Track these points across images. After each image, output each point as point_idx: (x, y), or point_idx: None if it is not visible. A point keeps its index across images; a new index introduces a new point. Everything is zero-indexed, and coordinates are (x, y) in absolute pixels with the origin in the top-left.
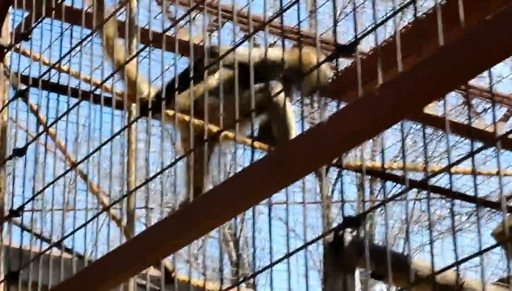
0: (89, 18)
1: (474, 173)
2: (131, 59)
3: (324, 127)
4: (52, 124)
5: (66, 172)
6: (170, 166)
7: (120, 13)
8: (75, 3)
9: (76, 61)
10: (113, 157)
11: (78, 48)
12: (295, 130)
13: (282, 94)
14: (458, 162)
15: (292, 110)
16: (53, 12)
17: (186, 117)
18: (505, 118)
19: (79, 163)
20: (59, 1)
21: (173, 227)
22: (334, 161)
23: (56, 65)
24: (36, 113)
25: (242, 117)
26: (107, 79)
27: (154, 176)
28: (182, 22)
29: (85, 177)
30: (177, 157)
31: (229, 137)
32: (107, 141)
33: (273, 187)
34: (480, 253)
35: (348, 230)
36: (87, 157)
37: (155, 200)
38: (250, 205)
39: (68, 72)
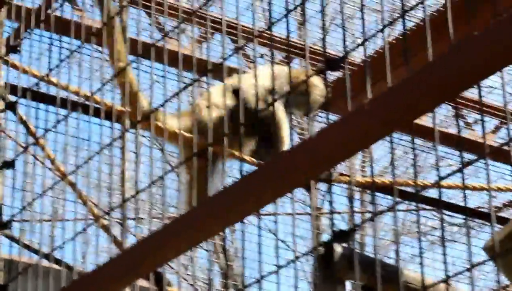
0: (78, 29)
1: (464, 187)
2: (121, 70)
3: (314, 141)
4: (41, 136)
5: (56, 183)
6: (161, 178)
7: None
8: (64, 14)
9: (65, 72)
10: (103, 167)
11: (67, 59)
12: (287, 144)
13: (279, 109)
14: (448, 176)
15: (287, 125)
16: (42, 23)
17: (176, 130)
18: (496, 130)
19: (69, 174)
20: (48, 12)
21: (164, 239)
22: (324, 175)
23: (46, 77)
24: (25, 124)
25: (234, 132)
26: (98, 90)
27: (144, 188)
28: (171, 34)
29: (74, 187)
30: (168, 169)
31: (232, 154)
32: (100, 151)
33: (263, 200)
34: (470, 268)
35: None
36: (77, 168)
37: (145, 211)
38: (240, 217)
39: (56, 85)
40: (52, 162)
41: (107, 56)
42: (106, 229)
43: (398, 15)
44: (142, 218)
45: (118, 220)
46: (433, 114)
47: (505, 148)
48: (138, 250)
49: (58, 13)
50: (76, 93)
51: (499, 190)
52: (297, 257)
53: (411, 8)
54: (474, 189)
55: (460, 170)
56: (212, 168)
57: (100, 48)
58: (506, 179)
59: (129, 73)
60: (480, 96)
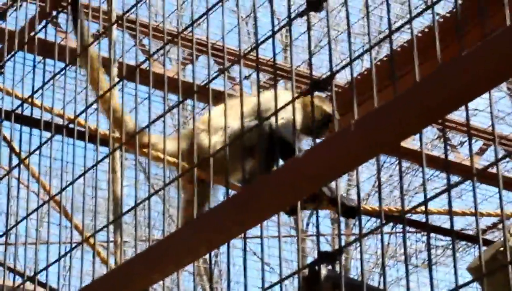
0: (62, 51)
1: (450, 211)
2: (106, 92)
3: (300, 162)
4: (25, 158)
5: (41, 205)
6: (145, 200)
7: (97, 45)
8: (48, 36)
9: (49, 95)
10: (86, 190)
11: (51, 81)
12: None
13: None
14: (435, 197)
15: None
16: (26, 45)
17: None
18: (481, 152)
19: (54, 196)
20: (32, 34)
21: (148, 261)
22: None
23: (29, 99)
24: (9, 145)
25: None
26: (81, 113)
27: (128, 210)
28: (156, 56)
29: (60, 207)
30: (152, 192)
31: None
32: (85, 172)
33: (248, 222)
34: (457, 289)
35: (324, 264)
36: (62, 190)
37: (129, 233)
38: (225, 240)
39: (40, 107)
40: (40, 182)
41: (88, 81)
42: (99, 252)
43: (385, 35)
44: (125, 242)
45: (101, 243)
46: (420, 135)
47: (490, 170)
48: (123, 272)
49: (41, 36)
50: (60, 116)
51: (485, 215)
52: (282, 280)
53: (397, 29)
54: (463, 214)
55: (446, 191)
56: (211, 191)
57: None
58: (490, 201)
59: (113, 98)
60: (468, 117)
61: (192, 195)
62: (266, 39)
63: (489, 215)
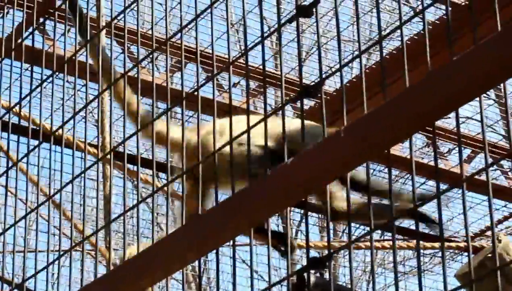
0: (49, 58)
1: (440, 218)
2: (91, 101)
3: (289, 168)
4: (12, 166)
5: (28, 213)
6: (132, 208)
7: (81, 54)
8: (36, 44)
9: (36, 103)
10: (75, 198)
11: (38, 89)
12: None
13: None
14: (423, 204)
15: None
16: (13, 52)
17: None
18: (469, 160)
19: (41, 204)
20: (19, 42)
21: (137, 268)
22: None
23: (16, 107)
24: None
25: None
26: (68, 121)
27: (117, 217)
28: (144, 63)
29: (60, 207)
30: (140, 199)
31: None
32: (71, 181)
33: (236, 228)
34: None
35: (313, 271)
36: (49, 198)
37: (118, 241)
38: (214, 247)
39: (26, 118)
40: (37, 185)
41: (79, 86)
42: (83, 256)
43: (375, 41)
44: (116, 250)
45: (88, 251)
46: (410, 141)
47: (478, 177)
48: (112, 279)
49: (29, 43)
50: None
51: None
52: (270, 286)
53: (388, 34)
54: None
55: (436, 197)
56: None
57: (70, 79)
58: (476, 208)
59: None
60: (458, 123)
61: (192, 191)
62: (256, 45)
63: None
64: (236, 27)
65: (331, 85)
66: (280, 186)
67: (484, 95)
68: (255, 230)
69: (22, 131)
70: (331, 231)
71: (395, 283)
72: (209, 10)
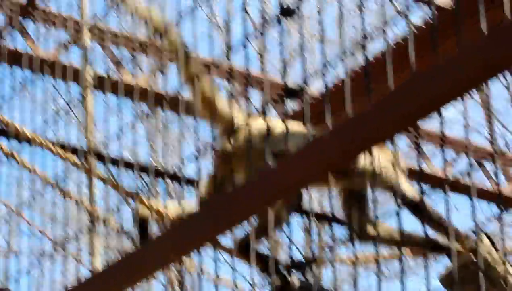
0: (31, 60)
1: (423, 220)
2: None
3: (273, 171)
4: None
5: (10, 216)
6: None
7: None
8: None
9: (18, 105)
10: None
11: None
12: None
13: None
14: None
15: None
16: None
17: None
18: (453, 162)
19: (22, 206)
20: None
21: (120, 271)
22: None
23: None
24: None
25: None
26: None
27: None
28: (127, 66)
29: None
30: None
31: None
32: (55, 183)
33: (220, 229)
34: None
35: (296, 273)
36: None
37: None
38: (197, 249)
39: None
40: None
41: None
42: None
43: (360, 42)
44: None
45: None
46: (394, 143)
47: (460, 179)
48: (94, 282)
49: (10, 45)
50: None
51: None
52: (253, 288)
53: (373, 36)
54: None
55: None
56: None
57: (52, 80)
58: (459, 210)
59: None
60: (442, 124)
61: (217, 172)
62: (241, 45)
63: None
64: (219, 31)
65: (317, 88)
66: (264, 188)
67: (468, 98)
68: (239, 250)
69: (3, 132)
70: (315, 233)
71: (378, 284)
72: (192, 12)
